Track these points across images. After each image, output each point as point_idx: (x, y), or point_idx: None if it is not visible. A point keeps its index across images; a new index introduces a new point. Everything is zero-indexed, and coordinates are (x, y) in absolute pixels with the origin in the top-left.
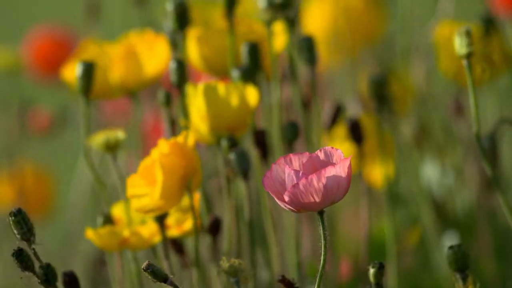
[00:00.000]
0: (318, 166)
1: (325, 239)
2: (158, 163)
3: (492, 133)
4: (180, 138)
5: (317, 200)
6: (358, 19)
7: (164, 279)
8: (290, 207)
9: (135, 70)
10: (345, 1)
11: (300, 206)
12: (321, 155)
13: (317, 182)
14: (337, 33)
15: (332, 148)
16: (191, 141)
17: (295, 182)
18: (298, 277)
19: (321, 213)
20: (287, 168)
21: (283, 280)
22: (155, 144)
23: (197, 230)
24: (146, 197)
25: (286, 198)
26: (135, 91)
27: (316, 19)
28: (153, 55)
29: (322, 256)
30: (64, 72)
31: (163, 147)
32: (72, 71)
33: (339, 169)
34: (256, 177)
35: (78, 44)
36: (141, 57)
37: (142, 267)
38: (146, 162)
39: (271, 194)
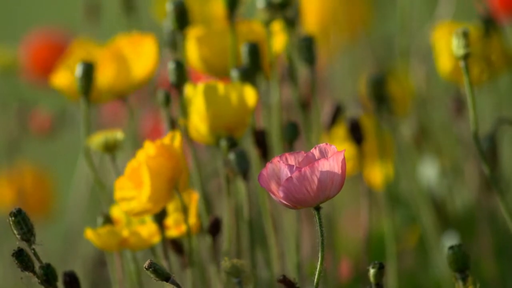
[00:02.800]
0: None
1: (322, 236)
2: (144, 165)
3: (492, 134)
4: (166, 140)
5: (311, 193)
6: (351, 7)
7: (166, 277)
8: (286, 203)
9: (123, 73)
10: None
11: (295, 201)
12: (316, 152)
13: (311, 175)
14: (332, 22)
15: (327, 144)
16: (177, 142)
17: (289, 176)
18: (298, 278)
19: (317, 209)
20: (282, 164)
21: (284, 280)
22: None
23: (190, 230)
24: (134, 200)
25: (281, 193)
26: (125, 94)
27: (311, 11)
28: (140, 56)
29: (319, 253)
30: (54, 79)
31: (149, 149)
32: (62, 77)
33: (333, 163)
34: (256, 177)
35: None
36: (128, 59)
37: (144, 265)
38: (133, 165)
39: (267, 191)
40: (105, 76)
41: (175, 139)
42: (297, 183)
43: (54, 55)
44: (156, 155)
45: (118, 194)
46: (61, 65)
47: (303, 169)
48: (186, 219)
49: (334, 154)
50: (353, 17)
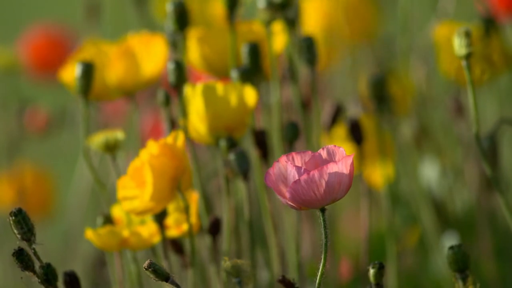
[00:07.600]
0: (320, 164)
1: (326, 238)
2: (147, 164)
3: (492, 134)
4: (169, 139)
5: (319, 196)
6: (355, 14)
7: (166, 278)
8: (292, 204)
9: (132, 71)
10: None
11: (301, 203)
12: (323, 153)
13: (319, 178)
14: (334, 29)
15: (335, 146)
16: (180, 141)
17: (297, 178)
18: (298, 278)
19: (323, 210)
20: (289, 165)
21: (283, 280)
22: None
23: (192, 230)
24: (137, 199)
25: (288, 194)
26: (133, 92)
27: (313, 15)
28: (150, 55)
29: (323, 255)
30: (62, 74)
31: (152, 148)
32: (70, 73)
33: (341, 166)
34: (256, 177)
35: (76, 44)
36: (139, 57)
37: (144, 265)
38: (135, 164)
39: (274, 191)
40: (114, 73)
41: (178, 139)
42: (305, 185)
43: (54, 52)
44: (159, 154)
45: (120, 193)
46: (71, 61)
47: (311, 172)
48: (188, 219)
49: (343, 158)
50: (356, 23)
